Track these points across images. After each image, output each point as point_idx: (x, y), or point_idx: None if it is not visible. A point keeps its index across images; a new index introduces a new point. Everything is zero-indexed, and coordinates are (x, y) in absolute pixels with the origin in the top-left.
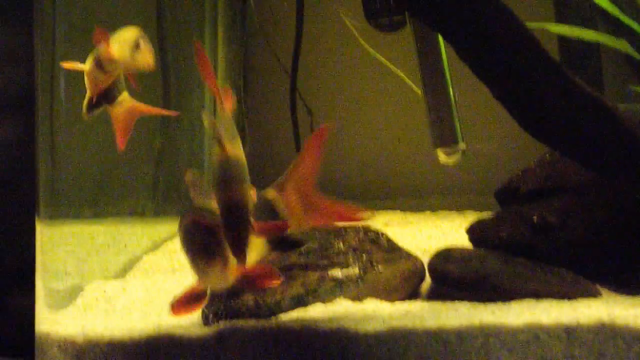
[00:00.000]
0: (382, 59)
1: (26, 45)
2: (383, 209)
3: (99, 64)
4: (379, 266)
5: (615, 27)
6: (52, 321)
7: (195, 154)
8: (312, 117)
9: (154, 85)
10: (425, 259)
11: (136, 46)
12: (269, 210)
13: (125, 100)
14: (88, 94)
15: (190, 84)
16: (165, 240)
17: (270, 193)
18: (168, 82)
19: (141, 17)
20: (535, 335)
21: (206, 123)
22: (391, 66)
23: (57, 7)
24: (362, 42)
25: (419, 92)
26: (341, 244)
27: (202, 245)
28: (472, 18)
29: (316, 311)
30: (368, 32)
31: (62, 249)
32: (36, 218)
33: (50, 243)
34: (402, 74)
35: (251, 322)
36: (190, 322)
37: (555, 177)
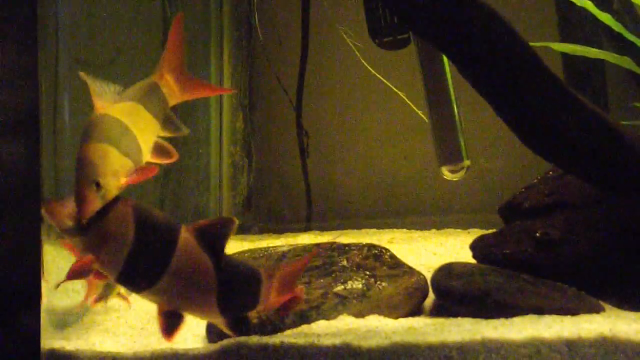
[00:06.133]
0: (384, 80)
1: (29, 64)
2: (388, 227)
3: None
4: (382, 282)
5: (619, 45)
6: (59, 338)
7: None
8: (308, 138)
9: None
10: (429, 276)
11: None
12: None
13: None
14: None
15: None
16: None
17: (154, 77)
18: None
19: (147, 37)
20: (537, 349)
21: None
22: (393, 87)
23: (60, 26)
24: (364, 62)
25: (421, 114)
26: (345, 261)
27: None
28: (474, 36)
29: (320, 327)
30: (373, 51)
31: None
32: (42, 236)
33: (56, 261)
34: (403, 95)
35: (255, 339)
36: (194, 338)
37: (558, 193)
